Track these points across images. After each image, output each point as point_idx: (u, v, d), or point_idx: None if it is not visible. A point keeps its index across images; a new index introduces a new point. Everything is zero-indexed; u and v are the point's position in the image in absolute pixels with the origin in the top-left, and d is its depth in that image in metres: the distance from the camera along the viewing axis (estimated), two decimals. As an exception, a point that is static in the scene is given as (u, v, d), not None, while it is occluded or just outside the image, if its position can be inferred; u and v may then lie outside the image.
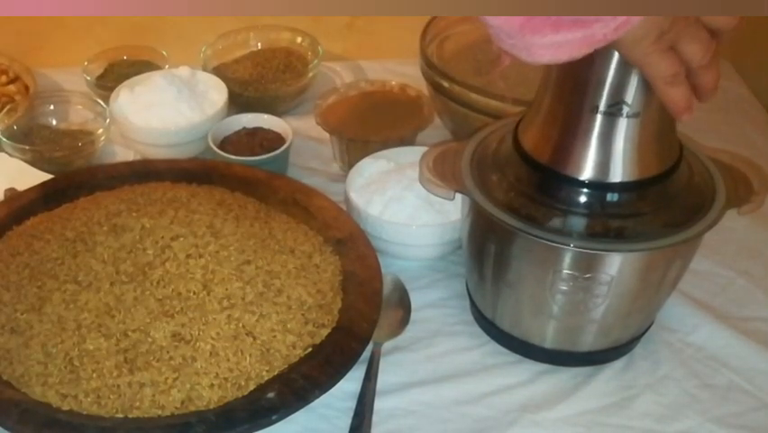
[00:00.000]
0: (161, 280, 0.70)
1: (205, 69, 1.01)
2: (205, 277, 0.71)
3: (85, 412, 0.63)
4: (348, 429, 0.66)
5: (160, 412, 0.63)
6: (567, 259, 0.63)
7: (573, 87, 0.60)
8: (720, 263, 0.82)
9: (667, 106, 0.56)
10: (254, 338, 0.67)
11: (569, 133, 0.61)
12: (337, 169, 0.93)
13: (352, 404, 0.68)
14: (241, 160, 0.88)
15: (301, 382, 0.65)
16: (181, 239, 0.73)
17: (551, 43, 0.50)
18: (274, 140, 0.91)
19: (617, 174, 0.61)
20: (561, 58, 0.51)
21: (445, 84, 0.88)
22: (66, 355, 0.66)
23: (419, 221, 0.79)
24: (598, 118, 0.60)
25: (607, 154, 0.61)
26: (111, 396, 0.64)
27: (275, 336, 0.68)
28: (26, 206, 0.82)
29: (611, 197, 0.62)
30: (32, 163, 0.89)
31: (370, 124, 0.92)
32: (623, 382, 0.71)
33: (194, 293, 0.69)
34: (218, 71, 1.02)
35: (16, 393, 0.65)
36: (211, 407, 0.64)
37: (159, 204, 0.78)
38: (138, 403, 0.64)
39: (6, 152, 0.91)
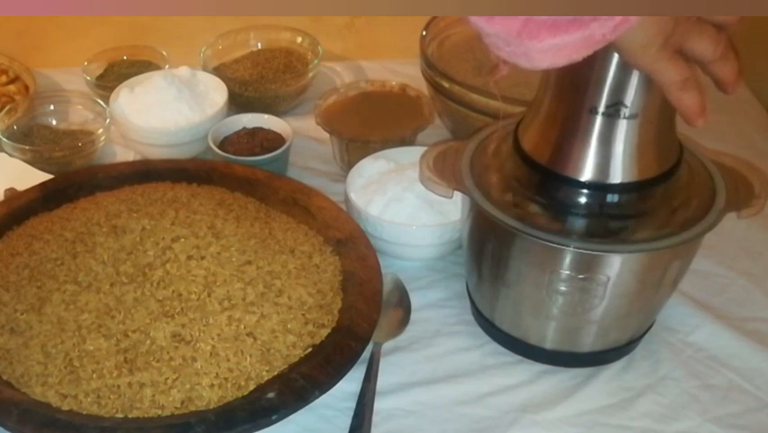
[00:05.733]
0: (162, 282, 0.70)
1: (205, 69, 1.01)
2: (207, 278, 0.71)
3: (85, 412, 0.63)
4: (348, 429, 0.66)
5: (160, 412, 0.63)
6: (566, 260, 0.63)
7: (572, 88, 0.60)
8: (720, 264, 0.82)
9: (680, 113, 0.56)
10: (255, 339, 0.67)
11: (568, 134, 0.61)
12: (337, 169, 0.93)
13: (352, 404, 0.68)
14: (241, 160, 0.88)
15: (301, 382, 0.65)
16: (182, 240, 0.74)
17: (549, 47, 0.50)
18: (274, 140, 0.91)
19: (616, 175, 0.61)
20: (560, 61, 0.51)
21: (445, 84, 0.88)
22: (66, 356, 0.66)
23: (419, 221, 0.79)
24: (597, 119, 0.60)
25: (606, 155, 0.61)
26: (111, 396, 0.64)
27: (275, 337, 0.68)
28: (26, 206, 0.82)
29: (611, 198, 0.62)
30: (32, 163, 0.89)
31: (370, 124, 0.92)
32: (623, 383, 0.71)
33: (194, 294, 0.69)
34: (218, 71, 1.02)
35: (16, 393, 0.65)
36: (211, 407, 0.64)
37: (159, 204, 0.79)
38: (138, 403, 0.64)
39: (6, 152, 0.91)
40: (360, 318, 0.71)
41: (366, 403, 0.67)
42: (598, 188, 0.62)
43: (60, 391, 0.64)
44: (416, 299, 0.78)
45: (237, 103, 0.99)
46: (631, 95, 0.58)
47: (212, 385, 0.65)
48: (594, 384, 0.71)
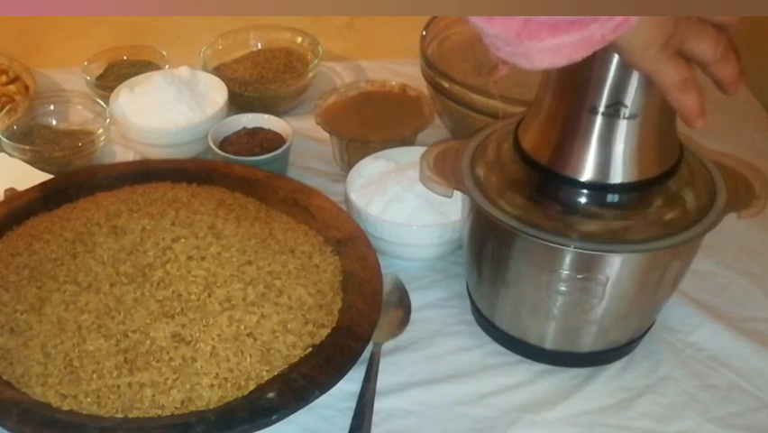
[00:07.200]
0: (162, 282, 0.70)
1: (205, 69, 1.01)
2: (207, 279, 0.71)
3: (85, 412, 0.63)
4: (348, 429, 0.66)
5: (159, 412, 0.63)
6: (566, 260, 0.63)
7: (572, 87, 0.60)
8: (720, 264, 0.82)
9: (680, 114, 0.56)
10: (255, 339, 0.67)
11: (568, 134, 0.61)
12: (337, 169, 0.93)
13: (352, 404, 0.68)
14: (241, 160, 0.88)
15: (301, 382, 0.65)
16: (182, 240, 0.74)
17: (549, 47, 0.50)
18: (274, 140, 0.91)
19: (616, 175, 0.61)
20: (560, 62, 0.51)
21: (445, 84, 0.88)
22: (66, 356, 0.66)
23: (419, 221, 0.79)
24: (597, 119, 0.60)
25: (606, 155, 0.61)
26: (111, 396, 0.64)
27: (276, 337, 0.68)
28: (26, 206, 0.82)
29: (611, 198, 0.62)
30: (32, 163, 0.89)
31: (370, 124, 0.92)
32: (623, 383, 0.71)
33: (194, 294, 0.69)
34: (218, 71, 1.02)
35: (16, 393, 0.65)
36: (211, 407, 0.64)
37: (159, 204, 0.79)
38: (138, 403, 0.64)
39: (6, 152, 0.91)
40: (360, 318, 0.71)
41: (366, 403, 0.68)
42: (598, 188, 0.62)
43: (60, 391, 0.64)
44: (415, 299, 0.78)
45: (237, 103, 0.99)
46: (631, 95, 0.58)
47: (212, 385, 0.65)
48: (594, 384, 0.71)
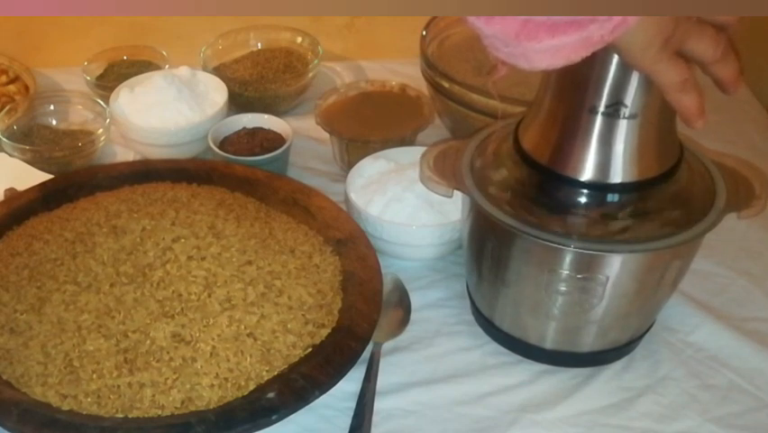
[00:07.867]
0: (162, 282, 0.70)
1: (205, 69, 1.01)
2: (207, 279, 0.71)
3: (85, 412, 0.63)
4: (348, 429, 0.66)
5: (159, 412, 0.63)
6: (566, 259, 0.63)
7: (572, 87, 0.60)
8: (720, 264, 0.82)
9: (679, 114, 0.56)
10: (255, 339, 0.67)
11: (568, 134, 0.61)
12: (337, 169, 0.93)
13: (352, 404, 0.68)
14: (241, 160, 0.88)
15: (301, 382, 0.65)
16: (183, 240, 0.74)
17: (548, 48, 0.50)
18: (274, 140, 0.91)
19: (616, 175, 0.61)
20: (558, 62, 0.51)
21: (445, 84, 0.88)
22: (66, 356, 0.66)
23: (419, 221, 0.79)
24: (597, 119, 0.60)
25: (606, 155, 0.61)
26: (111, 396, 0.64)
27: (276, 337, 0.68)
28: (26, 206, 0.82)
29: (611, 197, 0.62)
30: (32, 163, 0.89)
31: (370, 124, 0.92)
32: (623, 383, 0.71)
33: (194, 295, 0.69)
34: (218, 71, 1.02)
35: (16, 393, 0.65)
36: (211, 407, 0.64)
37: (159, 204, 0.79)
38: (138, 403, 0.64)
39: (6, 152, 0.91)
40: (360, 318, 0.71)
41: (366, 403, 0.68)
42: (598, 188, 0.62)
43: (60, 391, 0.64)
44: (415, 299, 0.78)
45: (237, 103, 0.99)
46: (631, 94, 0.58)
47: (212, 385, 0.65)
48: (594, 384, 0.71)
